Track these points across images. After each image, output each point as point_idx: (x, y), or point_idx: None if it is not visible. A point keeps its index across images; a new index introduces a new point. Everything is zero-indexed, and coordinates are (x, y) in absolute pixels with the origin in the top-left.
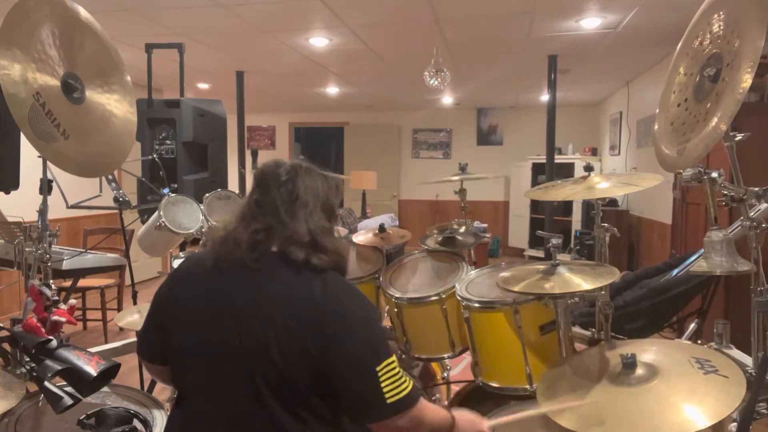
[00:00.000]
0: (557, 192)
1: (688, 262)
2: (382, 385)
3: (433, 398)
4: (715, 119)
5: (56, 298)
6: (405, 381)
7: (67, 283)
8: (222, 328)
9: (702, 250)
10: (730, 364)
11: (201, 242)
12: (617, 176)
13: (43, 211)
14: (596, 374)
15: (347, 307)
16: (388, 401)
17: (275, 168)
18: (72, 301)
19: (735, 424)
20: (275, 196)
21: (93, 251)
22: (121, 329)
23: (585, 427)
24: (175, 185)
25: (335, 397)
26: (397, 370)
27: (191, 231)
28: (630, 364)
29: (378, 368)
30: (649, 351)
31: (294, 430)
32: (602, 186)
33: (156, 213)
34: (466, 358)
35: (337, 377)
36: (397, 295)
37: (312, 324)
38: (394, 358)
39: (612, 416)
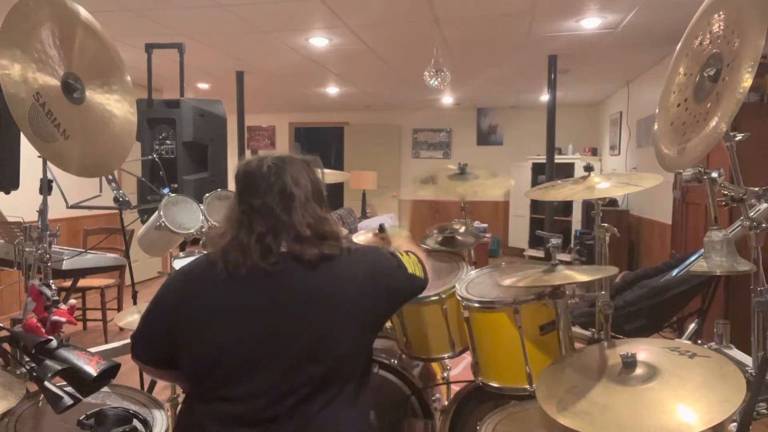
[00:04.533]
0: (557, 192)
1: (688, 262)
2: (415, 274)
3: (433, 398)
4: (715, 119)
5: (56, 298)
6: (412, 257)
7: (67, 283)
8: (264, 329)
9: (702, 250)
10: (706, 352)
11: (201, 242)
12: (617, 176)
13: (43, 211)
14: (596, 374)
15: (376, 261)
16: (423, 278)
17: (260, 167)
18: (72, 301)
19: (735, 424)
20: (268, 198)
21: (93, 251)
22: (121, 329)
23: (587, 427)
24: (175, 185)
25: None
26: (406, 257)
27: (191, 231)
28: (630, 363)
29: (410, 271)
30: (639, 350)
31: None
32: (602, 186)
33: (156, 213)
34: (466, 358)
35: (399, 302)
36: None
37: (361, 293)
38: (399, 254)
39: (614, 416)
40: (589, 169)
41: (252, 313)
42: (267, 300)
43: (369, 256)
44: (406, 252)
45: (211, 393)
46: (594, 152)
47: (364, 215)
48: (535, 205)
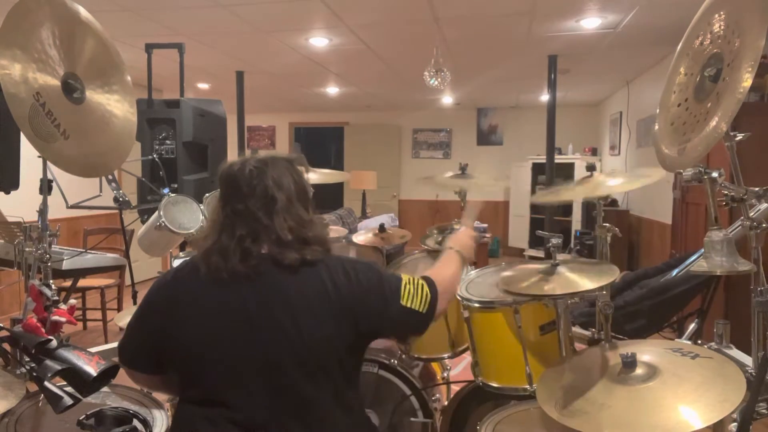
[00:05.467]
0: (566, 192)
1: (688, 262)
2: (412, 307)
3: (433, 398)
4: (716, 119)
5: (56, 298)
6: (421, 287)
7: (67, 283)
8: (247, 333)
9: (702, 250)
10: (709, 353)
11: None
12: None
13: (43, 211)
14: (596, 374)
15: (361, 280)
16: (424, 312)
17: (242, 170)
18: (72, 301)
19: (735, 424)
20: (250, 202)
21: (93, 251)
22: (121, 329)
23: (585, 425)
24: (175, 185)
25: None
26: (410, 286)
27: (191, 231)
28: (630, 363)
29: (403, 302)
30: (640, 351)
31: (321, 409)
32: (609, 183)
33: (156, 213)
34: (466, 358)
35: (382, 332)
36: None
37: (342, 307)
38: (402, 279)
39: (612, 414)
40: (591, 168)
41: (234, 317)
42: (249, 303)
43: (354, 267)
44: (413, 279)
45: (202, 396)
46: (594, 152)
47: (364, 215)
48: (535, 205)
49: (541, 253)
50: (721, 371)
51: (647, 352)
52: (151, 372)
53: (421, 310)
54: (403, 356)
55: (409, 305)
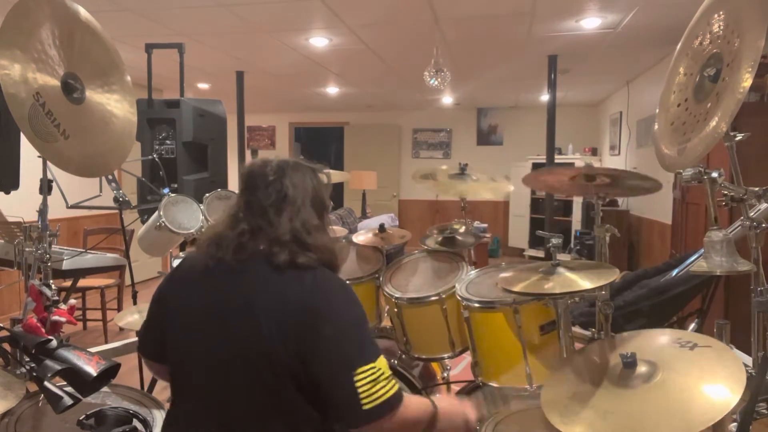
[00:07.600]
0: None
1: (688, 262)
2: (359, 391)
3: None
4: (716, 119)
5: (56, 298)
6: (385, 386)
7: (67, 283)
8: (214, 330)
9: (702, 250)
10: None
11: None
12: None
13: (43, 211)
14: (597, 377)
15: (333, 309)
16: (364, 407)
17: (262, 167)
18: (72, 301)
19: (735, 424)
20: (262, 197)
21: (93, 251)
22: (121, 329)
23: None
24: (175, 185)
25: (323, 400)
26: (377, 374)
27: (191, 231)
28: (630, 363)
29: (355, 373)
30: (640, 344)
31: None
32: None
33: (156, 213)
34: (466, 358)
35: (318, 379)
36: (397, 295)
37: (300, 324)
38: (376, 363)
39: (618, 422)
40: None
41: (205, 312)
42: (220, 298)
43: (337, 297)
44: (387, 373)
45: (172, 394)
46: (594, 152)
47: (364, 215)
48: (535, 205)
49: (541, 253)
50: (720, 362)
51: (646, 346)
52: (156, 360)
53: (364, 404)
54: (403, 356)
55: (357, 386)
